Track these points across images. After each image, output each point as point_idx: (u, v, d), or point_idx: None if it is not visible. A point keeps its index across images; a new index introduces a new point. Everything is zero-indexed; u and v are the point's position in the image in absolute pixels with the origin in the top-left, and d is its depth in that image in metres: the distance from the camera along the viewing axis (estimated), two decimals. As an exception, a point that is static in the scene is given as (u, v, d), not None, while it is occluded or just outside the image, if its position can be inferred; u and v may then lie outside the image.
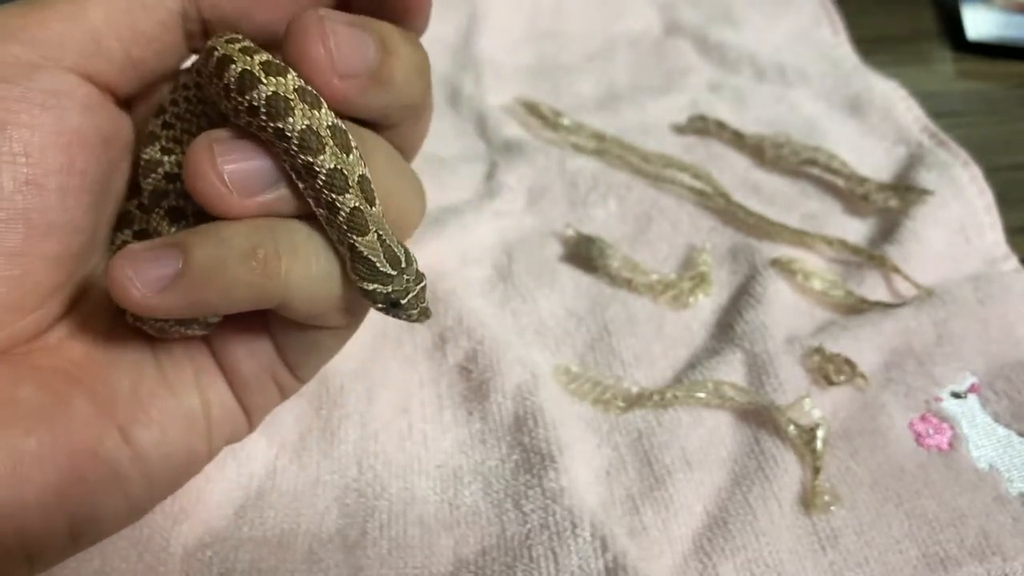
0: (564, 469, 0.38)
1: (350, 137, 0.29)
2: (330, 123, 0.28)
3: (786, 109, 0.57)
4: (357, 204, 0.29)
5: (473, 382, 0.42)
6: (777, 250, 0.48)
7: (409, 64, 0.30)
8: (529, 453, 0.39)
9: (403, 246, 0.31)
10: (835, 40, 0.64)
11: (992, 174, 0.51)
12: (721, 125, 0.55)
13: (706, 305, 0.46)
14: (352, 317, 0.32)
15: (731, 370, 0.42)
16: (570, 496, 0.37)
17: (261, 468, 0.39)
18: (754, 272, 0.46)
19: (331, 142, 0.28)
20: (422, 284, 0.31)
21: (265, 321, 0.33)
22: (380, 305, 0.31)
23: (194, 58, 0.32)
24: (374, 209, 0.29)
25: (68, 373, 0.30)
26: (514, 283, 0.47)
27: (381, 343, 0.44)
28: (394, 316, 0.31)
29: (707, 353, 0.43)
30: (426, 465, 0.39)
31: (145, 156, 0.33)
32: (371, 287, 0.30)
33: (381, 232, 0.30)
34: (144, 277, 0.27)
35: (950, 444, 0.39)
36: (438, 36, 0.63)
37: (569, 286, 0.47)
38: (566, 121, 0.55)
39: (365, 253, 0.29)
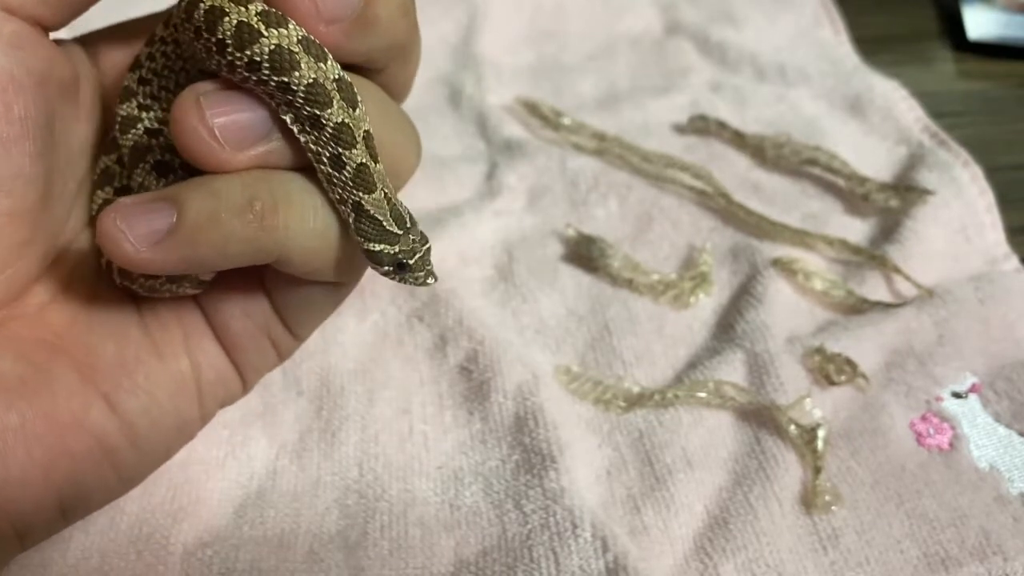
0: (565, 469, 0.38)
1: (356, 91, 0.28)
2: (336, 75, 0.27)
3: (787, 109, 0.57)
4: (364, 160, 0.28)
5: (474, 382, 0.42)
6: (778, 250, 0.48)
7: (392, 3, 0.29)
8: (530, 453, 0.39)
9: (405, 205, 0.30)
10: (836, 40, 0.64)
11: (993, 174, 0.51)
12: (722, 125, 0.55)
13: (707, 305, 0.46)
14: (352, 273, 0.31)
15: (732, 370, 0.42)
16: (571, 496, 0.37)
17: (261, 468, 0.39)
18: (755, 272, 0.46)
19: (338, 96, 0.27)
20: (427, 246, 0.30)
21: (260, 278, 0.32)
22: (386, 267, 0.30)
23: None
24: (379, 166, 0.28)
25: (49, 343, 0.29)
26: (515, 283, 0.47)
27: (382, 343, 0.44)
28: (399, 279, 0.30)
29: (708, 353, 0.43)
30: (427, 466, 0.39)
31: (122, 112, 0.31)
32: (378, 248, 0.29)
33: (387, 190, 0.29)
34: (136, 231, 0.26)
35: (951, 444, 0.39)
36: (439, 36, 0.63)
37: (570, 286, 0.47)
38: (567, 121, 0.55)
39: (372, 212, 0.28)
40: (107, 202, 0.32)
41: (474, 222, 0.49)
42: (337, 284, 0.32)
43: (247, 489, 0.38)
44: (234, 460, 0.39)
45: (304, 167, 0.28)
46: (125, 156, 0.31)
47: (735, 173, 0.53)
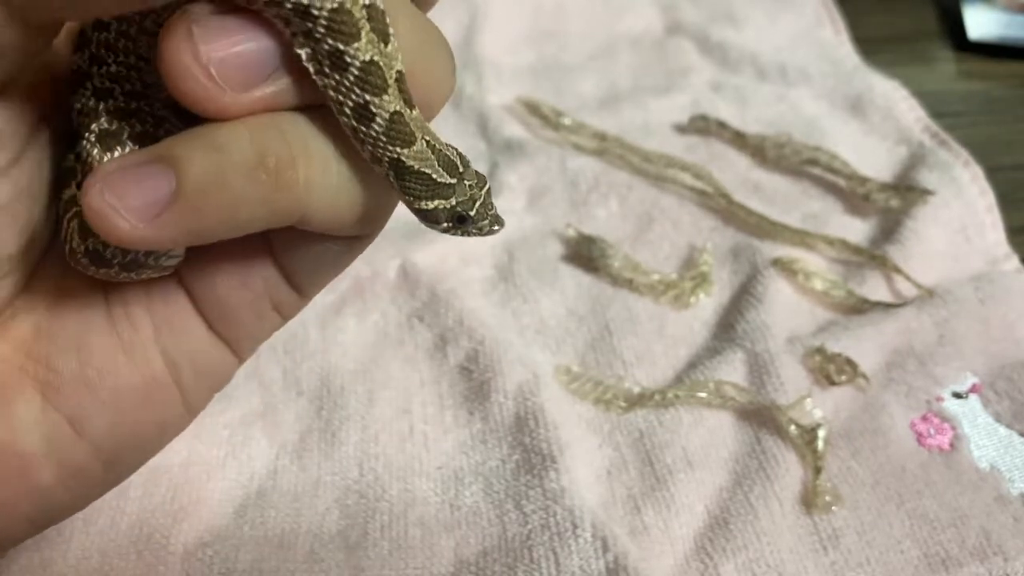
0: (565, 469, 0.38)
1: (387, 21, 0.23)
2: (366, 0, 0.22)
3: (787, 109, 0.57)
4: (397, 108, 0.23)
5: (474, 382, 0.42)
6: (778, 250, 0.48)
7: None
8: (530, 453, 0.39)
9: (453, 147, 0.26)
10: (836, 40, 0.64)
11: (993, 174, 0.51)
12: (722, 125, 0.55)
13: (707, 305, 0.46)
14: (379, 222, 0.27)
15: (732, 370, 0.42)
16: (571, 496, 0.37)
17: (262, 468, 0.39)
18: (755, 272, 0.46)
19: (367, 27, 0.22)
20: (486, 187, 0.26)
21: (265, 245, 0.27)
22: (445, 224, 0.26)
23: None
24: (414, 112, 0.24)
25: (12, 363, 0.26)
26: (515, 283, 0.47)
27: (382, 343, 0.44)
28: (463, 234, 0.26)
29: (708, 353, 0.43)
30: (427, 466, 0.39)
31: (77, 105, 0.26)
32: (432, 205, 0.25)
33: (428, 137, 0.24)
34: (130, 203, 0.22)
35: (951, 444, 0.39)
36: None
37: (570, 286, 0.47)
38: (567, 121, 0.55)
39: (417, 167, 0.24)
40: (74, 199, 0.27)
41: (474, 222, 0.49)
42: (358, 238, 0.27)
43: (247, 489, 0.38)
44: (234, 460, 0.39)
45: (314, 104, 0.24)
46: (74, 118, 0.26)
47: (735, 173, 0.53)
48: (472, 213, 0.26)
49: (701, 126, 0.55)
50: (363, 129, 0.23)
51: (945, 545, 0.36)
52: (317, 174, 0.23)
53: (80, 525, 0.36)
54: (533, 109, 0.56)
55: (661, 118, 0.57)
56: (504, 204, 0.51)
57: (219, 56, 0.22)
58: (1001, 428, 0.40)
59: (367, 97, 0.22)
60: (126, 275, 0.25)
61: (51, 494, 0.26)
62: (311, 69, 0.22)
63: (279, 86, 0.23)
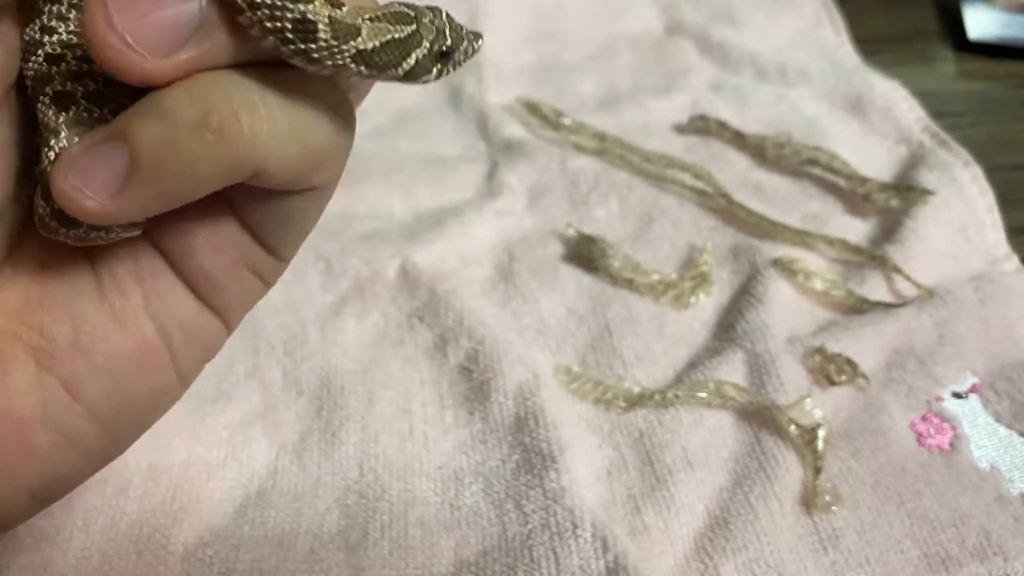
0: (565, 469, 0.38)
1: None
2: None
3: (787, 109, 0.57)
4: (328, 12, 0.23)
5: (474, 382, 0.42)
6: (778, 250, 0.48)
7: None
8: (530, 453, 0.39)
9: (389, 2, 0.26)
10: (836, 40, 0.64)
11: (993, 174, 0.51)
12: (722, 125, 0.55)
13: (707, 305, 0.46)
14: (330, 171, 0.27)
15: (732, 370, 0.42)
16: (571, 496, 0.37)
17: (262, 468, 0.39)
18: (755, 272, 0.46)
19: None
20: (444, 12, 0.26)
21: (227, 202, 0.28)
22: (435, 69, 0.26)
23: None
24: (345, 9, 0.24)
25: (5, 331, 0.26)
26: (515, 283, 0.47)
27: (382, 343, 0.44)
28: (453, 67, 0.26)
29: (708, 353, 0.43)
30: (427, 466, 0.39)
31: (30, 73, 0.27)
32: (410, 62, 0.25)
33: (367, 15, 0.25)
34: (93, 183, 0.23)
35: (951, 444, 0.39)
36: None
37: (570, 286, 0.47)
38: (567, 121, 0.55)
39: (375, 43, 0.24)
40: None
41: (474, 222, 0.49)
42: (318, 188, 0.28)
43: (247, 489, 0.38)
44: (234, 460, 0.39)
45: (255, 59, 0.25)
46: (28, 87, 0.27)
47: (735, 173, 0.53)
48: (448, 45, 0.26)
49: (701, 126, 0.55)
50: (312, 46, 0.23)
51: (945, 545, 0.36)
52: (262, 125, 0.24)
53: (80, 525, 0.36)
54: (533, 109, 0.56)
55: (661, 118, 0.57)
56: (504, 204, 0.51)
57: (133, 24, 0.22)
58: (1001, 428, 0.40)
59: (301, 8, 0.23)
60: (96, 235, 0.26)
61: (50, 462, 0.27)
62: (243, 5, 0.23)
63: (207, 45, 0.23)
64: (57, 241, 0.26)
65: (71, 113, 0.26)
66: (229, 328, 0.30)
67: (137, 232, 0.27)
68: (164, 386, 0.29)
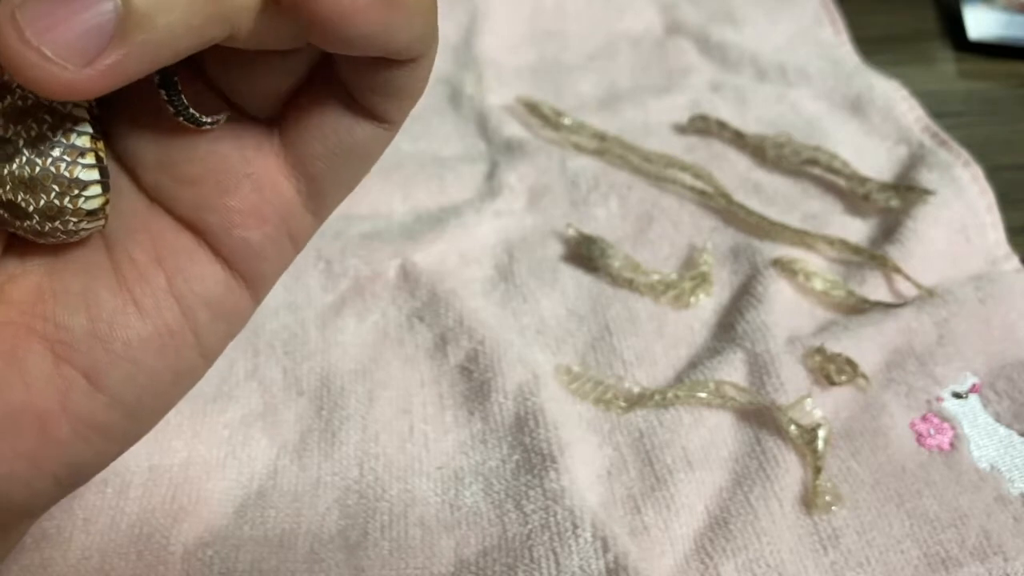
0: (565, 469, 0.38)
1: None
2: None
3: (787, 109, 0.57)
4: None
5: (474, 382, 0.42)
6: (778, 250, 0.48)
7: None
8: (530, 453, 0.39)
9: None
10: (836, 40, 0.64)
11: (994, 174, 0.51)
12: (722, 125, 0.55)
13: (707, 305, 0.46)
14: (426, 37, 0.25)
15: (732, 370, 0.42)
16: (571, 496, 0.37)
17: (262, 468, 0.39)
18: (755, 272, 0.46)
19: None
20: None
21: (332, 82, 0.26)
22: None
23: None
24: None
25: (16, 324, 0.26)
26: (515, 283, 0.47)
27: (382, 343, 0.44)
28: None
29: (708, 353, 0.43)
30: (427, 466, 0.39)
31: None
32: None
33: None
34: (65, 40, 0.18)
35: (951, 444, 0.39)
36: (439, 35, 0.63)
37: (570, 286, 0.47)
38: (567, 121, 0.55)
39: None
40: None
41: (474, 222, 0.49)
42: (384, 121, 0.26)
43: (248, 489, 0.38)
44: (234, 460, 0.39)
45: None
46: None
47: (735, 173, 0.53)
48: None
49: (701, 126, 0.55)
50: None
51: (945, 545, 0.36)
52: None
53: (80, 525, 0.36)
54: (533, 109, 0.56)
55: (661, 118, 0.57)
56: (504, 204, 0.51)
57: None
58: (1001, 428, 0.40)
59: None
60: (52, 227, 0.24)
61: (73, 449, 0.26)
62: None
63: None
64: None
65: (6, 101, 0.22)
66: (255, 300, 0.29)
67: (102, 224, 0.25)
68: (187, 367, 0.28)
